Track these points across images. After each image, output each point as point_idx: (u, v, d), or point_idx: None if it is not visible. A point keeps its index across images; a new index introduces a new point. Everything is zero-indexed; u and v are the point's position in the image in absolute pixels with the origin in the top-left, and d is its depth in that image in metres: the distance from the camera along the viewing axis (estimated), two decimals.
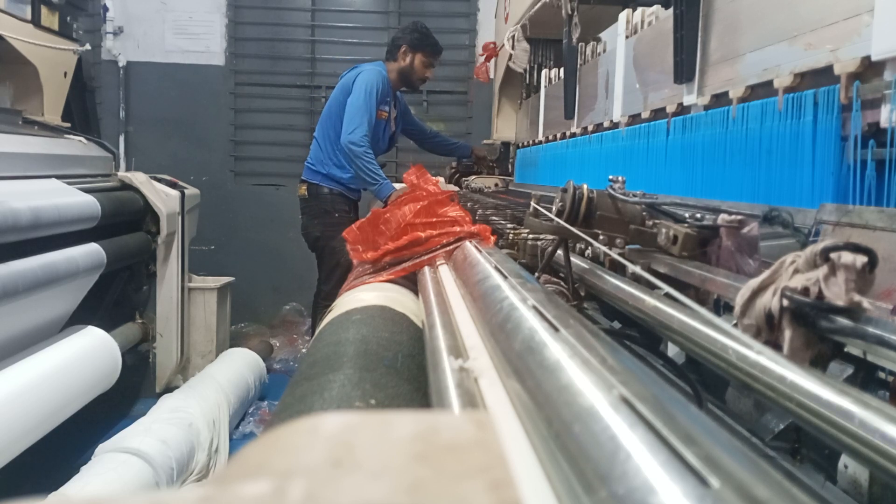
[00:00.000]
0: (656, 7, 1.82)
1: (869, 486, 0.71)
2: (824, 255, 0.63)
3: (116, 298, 3.28)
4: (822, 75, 1.09)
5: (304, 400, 0.81)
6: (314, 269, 3.52)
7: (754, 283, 0.69)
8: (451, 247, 1.40)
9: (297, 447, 0.29)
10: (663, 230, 1.08)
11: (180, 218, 3.49)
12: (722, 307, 1.07)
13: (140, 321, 3.44)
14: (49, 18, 3.38)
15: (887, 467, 0.43)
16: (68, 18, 3.57)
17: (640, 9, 1.93)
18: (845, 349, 0.66)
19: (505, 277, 0.84)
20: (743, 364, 0.59)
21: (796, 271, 0.66)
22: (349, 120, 3.15)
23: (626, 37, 1.98)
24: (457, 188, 3.48)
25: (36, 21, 3.24)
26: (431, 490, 0.26)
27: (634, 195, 1.15)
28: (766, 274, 0.69)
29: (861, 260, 0.61)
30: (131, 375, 3.17)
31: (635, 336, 1.05)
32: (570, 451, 0.36)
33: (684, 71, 1.52)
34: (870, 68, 0.98)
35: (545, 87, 3.06)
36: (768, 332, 0.67)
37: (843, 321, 0.60)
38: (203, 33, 4.89)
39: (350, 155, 3.13)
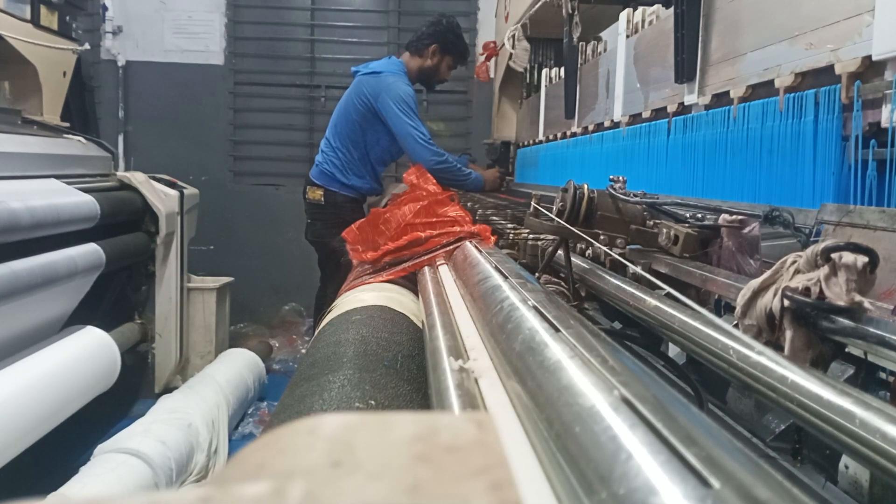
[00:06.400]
0: (657, 6, 1.82)
1: (870, 486, 0.71)
2: (825, 256, 0.63)
3: (115, 298, 3.27)
4: (823, 75, 1.09)
5: (303, 400, 0.81)
6: (314, 269, 3.52)
7: (755, 283, 0.69)
8: (451, 247, 1.40)
9: (296, 448, 0.29)
10: (664, 230, 1.08)
11: (179, 218, 3.49)
12: (723, 307, 1.07)
13: (139, 321, 3.44)
14: (48, 18, 3.38)
15: (888, 468, 0.43)
16: (67, 18, 3.57)
17: (640, 8, 1.92)
18: (846, 349, 0.66)
19: (505, 278, 0.84)
20: (744, 364, 0.59)
21: (797, 271, 0.66)
22: (412, 150, 2.96)
23: (627, 36, 1.98)
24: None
25: (35, 20, 3.23)
26: (431, 491, 0.26)
27: (635, 195, 1.15)
28: (767, 274, 0.69)
29: (862, 260, 0.61)
30: (130, 376, 3.16)
31: (636, 336, 1.05)
32: (571, 452, 0.36)
33: (685, 70, 1.52)
34: (871, 68, 0.98)
35: (545, 86, 3.06)
36: (769, 332, 0.67)
37: (844, 321, 0.60)
38: (202, 33, 4.89)
39: (438, 176, 2.86)
